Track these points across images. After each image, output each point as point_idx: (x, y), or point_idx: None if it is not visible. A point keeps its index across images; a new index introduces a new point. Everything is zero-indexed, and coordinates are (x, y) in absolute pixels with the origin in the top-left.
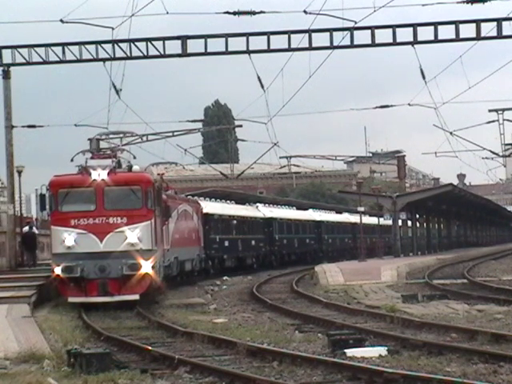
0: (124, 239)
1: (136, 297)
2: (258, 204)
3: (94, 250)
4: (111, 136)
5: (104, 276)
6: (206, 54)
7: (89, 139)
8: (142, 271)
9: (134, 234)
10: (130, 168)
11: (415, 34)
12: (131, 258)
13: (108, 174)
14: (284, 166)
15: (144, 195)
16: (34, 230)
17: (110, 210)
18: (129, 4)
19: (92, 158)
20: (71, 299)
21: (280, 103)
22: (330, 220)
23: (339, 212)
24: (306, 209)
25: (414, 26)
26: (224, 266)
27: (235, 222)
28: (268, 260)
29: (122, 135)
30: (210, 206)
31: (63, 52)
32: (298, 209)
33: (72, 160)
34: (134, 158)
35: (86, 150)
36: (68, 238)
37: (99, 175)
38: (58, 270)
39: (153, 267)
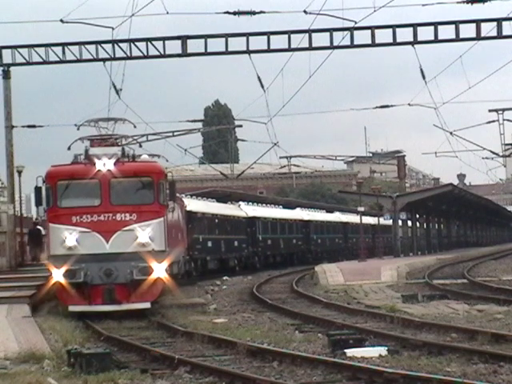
0: (134, 239)
1: (147, 305)
2: (240, 202)
3: (98, 252)
4: (101, 123)
5: (110, 281)
6: (206, 54)
7: (89, 139)
8: (154, 276)
9: (145, 233)
10: (133, 157)
11: (415, 34)
12: (142, 261)
13: (115, 163)
14: (284, 166)
15: (156, 188)
16: (40, 228)
17: (117, 206)
18: (129, 4)
19: (92, 145)
20: (72, 308)
21: (280, 103)
22: (320, 219)
23: (330, 211)
24: (294, 207)
25: (414, 25)
26: (207, 268)
27: (218, 221)
28: (251, 262)
29: (113, 122)
30: (193, 204)
31: (63, 52)
32: (284, 207)
33: (69, 148)
34: (140, 146)
35: (86, 137)
36: (69, 237)
37: (104, 165)
38: (57, 275)
39: (166, 271)
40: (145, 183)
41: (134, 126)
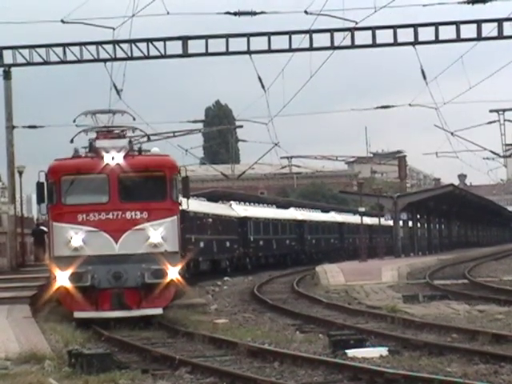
0: (145, 239)
1: (159, 311)
2: (231, 202)
3: (107, 253)
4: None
5: (119, 285)
6: (206, 54)
7: (89, 139)
8: (167, 279)
9: (157, 233)
10: (139, 150)
11: (416, 35)
12: (154, 263)
13: (124, 157)
14: (285, 167)
15: (169, 184)
16: (43, 228)
17: (126, 203)
18: (129, 4)
19: (97, 138)
20: (78, 314)
21: (281, 104)
22: (314, 219)
23: (326, 211)
24: (287, 207)
25: (415, 26)
26: (198, 269)
27: (210, 220)
28: (242, 263)
29: (111, 114)
30: (186, 202)
31: (64, 52)
32: (278, 207)
33: (72, 141)
34: (149, 139)
35: (91, 129)
36: (75, 237)
37: (113, 159)
38: (62, 278)
39: (179, 273)
40: (157, 178)
41: (134, 119)
